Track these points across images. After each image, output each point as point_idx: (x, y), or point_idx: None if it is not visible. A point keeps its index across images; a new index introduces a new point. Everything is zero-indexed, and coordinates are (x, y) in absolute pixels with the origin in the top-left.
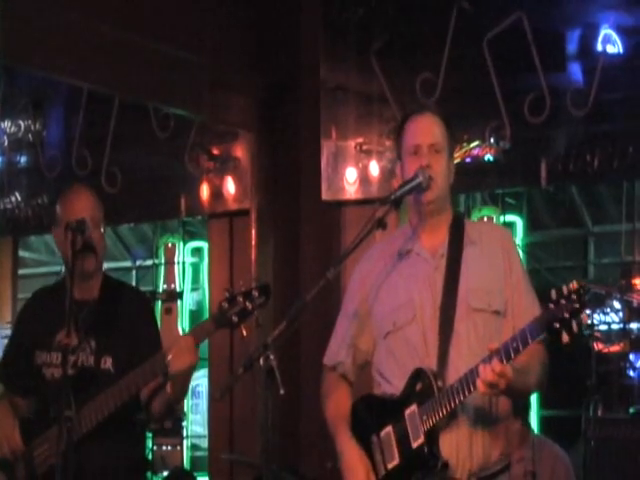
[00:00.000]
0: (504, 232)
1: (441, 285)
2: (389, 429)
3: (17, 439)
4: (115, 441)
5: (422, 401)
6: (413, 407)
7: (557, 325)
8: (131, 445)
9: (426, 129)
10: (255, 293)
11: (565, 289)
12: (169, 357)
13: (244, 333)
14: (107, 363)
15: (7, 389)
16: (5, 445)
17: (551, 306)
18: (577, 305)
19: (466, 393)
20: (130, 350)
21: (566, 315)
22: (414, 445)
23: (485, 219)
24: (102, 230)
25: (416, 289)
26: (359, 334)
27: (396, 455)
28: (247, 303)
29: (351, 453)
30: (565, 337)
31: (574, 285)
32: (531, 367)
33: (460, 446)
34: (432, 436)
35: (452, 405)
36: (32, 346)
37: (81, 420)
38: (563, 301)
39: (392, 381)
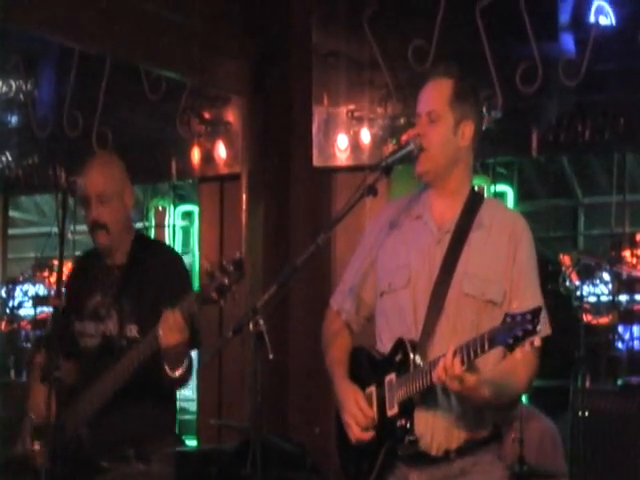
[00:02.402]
0: (518, 221)
1: (440, 261)
2: (372, 389)
3: (52, 407)
4: (140, 406)
5: (400, 372)
6: (392, 375)
7: (510, 341)
8: (156, 409)
9: (426, 96)
10: (230, 267)
11: (528, 304)
12: (160, 332)
13: (221, 303)
14: (133, 331)
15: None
16: (43, 411)
17: (508, 319)
18: (530, 327)
19: (429, 380)
20: (156, 317)
21: (519, 334)
22: (389, 413)
23: (476, 189)
24: (119, 203)
25: (414, 256)
26: (363, 285)
27: (375, 417)
28: (224, 279)
29: (344, 389)
30: (518, 354)
31: (533, 307)
32: (506, 382)
33: (436, 427)
34: (406, 409)
35: (421, 386)
36: (71, 314)
37: (100, 391)
38: (519, 318)
39: (383, 341)
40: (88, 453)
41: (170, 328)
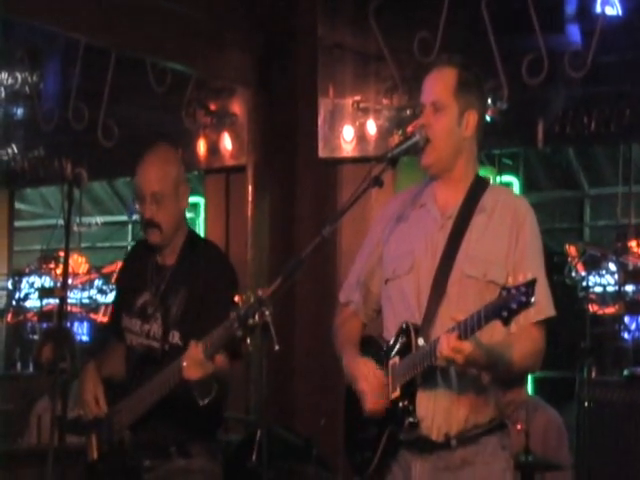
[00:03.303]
0: (521, 204)
1: (442, 246)
2: None
3: (103, 404)
4: (183, 411)
5: (403, 356)
6: (396, 359)
7: (505, 314)
8: (200, 412)
9: (429, 86)
10: (256, 307)
11: (520, 278)
12: (183, 364)
13: (249, 347)
14: (175, 337)
15: (115, 337)
16: (93, 409)
17: (504, 293)
18: (524, 299)
19: (432, 360)
20: (198, 325)
21: (514, 306)
22: (391, 397)
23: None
24: (173, 202)
25: (417, 242)
26: (371, 276)
27: (383, 378)
28: (249, 318)
29: (357, 362)
30: (512, 327)
31: (528, 275)
32: (510, 347)
33: (437, 409)
34: (408, 392)
35: (422, 367)
36: (120, 307)
37: (141, 400)
38: (514, 291)
39: (389, 328)
40: (131, 455)
41: (193, 362)
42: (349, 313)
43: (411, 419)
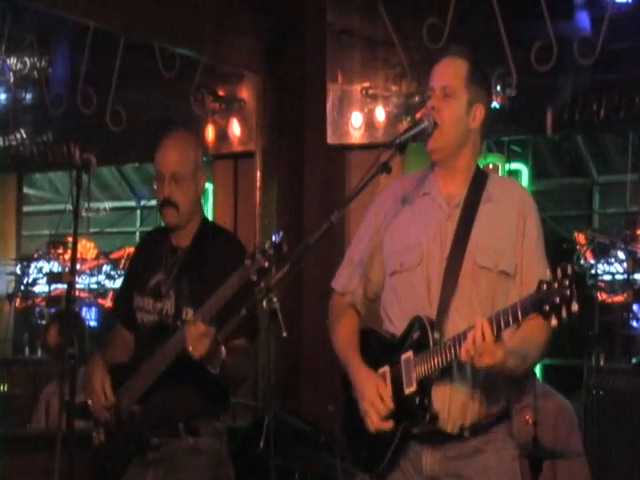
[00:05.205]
0: (525, 196)
1: (451, 236)
2: (385, 369)
3: (110, 395)
4: (192, 383)
5: (418, 350)
6: (409, 353)
7: (547, 308)
8: (209, 386)
9: (441, 71)
10: (270, 251)
11: (559, 271)
12: (189, 347)
13: (261, 284)
14: (188, 314)
15: (120, 321)
16: (101, 399)
17: (544, 287)
18: (568, 292)
19: (455, 355)
20: None
21: (557, 300)
22: (406, 392)
23: (490, 167)
24: (192, 184)
25: (425, 234)
26: (370, 266)
27: (390, 397)
28: (264, 261)
29: (363, 377)
30: (553, 321)
31: (568, 269)
32: (526, 349)
33: (453, 402)
34: (424, 386)
35: (443, 362)
36: (132, 288)
37: (151, 369)
38: (555, 284)
39: (394, 321)
40: (140, 430)
41: (196, 339)
42: (346, 305)
43: (430, 413)
